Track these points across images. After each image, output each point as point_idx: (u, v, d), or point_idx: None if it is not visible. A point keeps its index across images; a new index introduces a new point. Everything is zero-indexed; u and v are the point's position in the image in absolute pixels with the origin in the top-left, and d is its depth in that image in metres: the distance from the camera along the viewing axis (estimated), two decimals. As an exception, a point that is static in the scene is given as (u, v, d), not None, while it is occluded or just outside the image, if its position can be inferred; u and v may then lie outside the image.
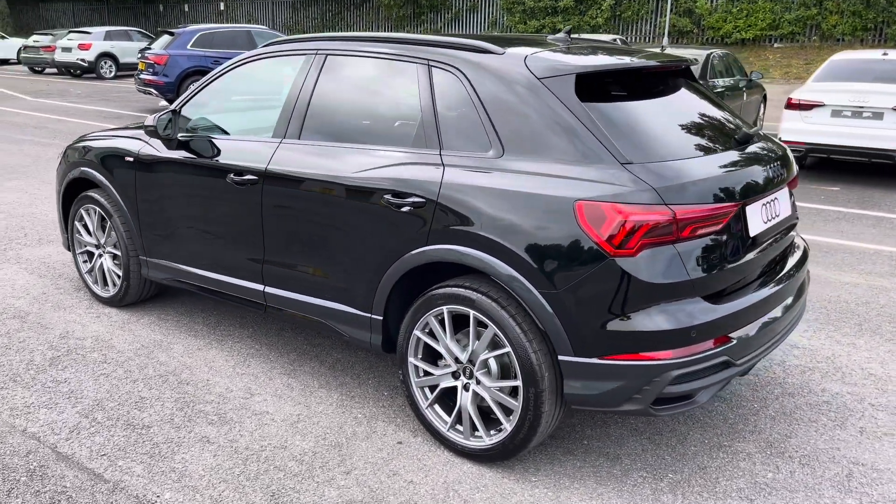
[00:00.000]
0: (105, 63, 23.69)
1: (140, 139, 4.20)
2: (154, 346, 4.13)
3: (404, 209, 3.02)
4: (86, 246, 4.74)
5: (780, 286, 3.06)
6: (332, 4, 30.26)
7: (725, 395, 3.64)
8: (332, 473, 2.98)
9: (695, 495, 2.87)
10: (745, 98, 11.22)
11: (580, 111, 2.77)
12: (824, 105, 8.63)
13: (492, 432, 2.98)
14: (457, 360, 3.03)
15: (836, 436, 3.29)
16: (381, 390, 3.66)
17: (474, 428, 3.02)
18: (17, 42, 28.70)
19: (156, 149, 4.07)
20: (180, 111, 4.03)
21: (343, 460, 3.07)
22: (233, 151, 3.71)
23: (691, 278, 2.63)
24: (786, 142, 8.95)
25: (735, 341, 2.74)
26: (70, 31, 24.88)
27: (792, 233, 3.39)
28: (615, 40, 17.48)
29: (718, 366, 2.71)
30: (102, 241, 4.61)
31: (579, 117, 2.75)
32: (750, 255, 2.88)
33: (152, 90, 14.52)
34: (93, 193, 4.52)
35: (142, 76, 14.78)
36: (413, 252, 3.02)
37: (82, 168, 4.56)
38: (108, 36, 24.03)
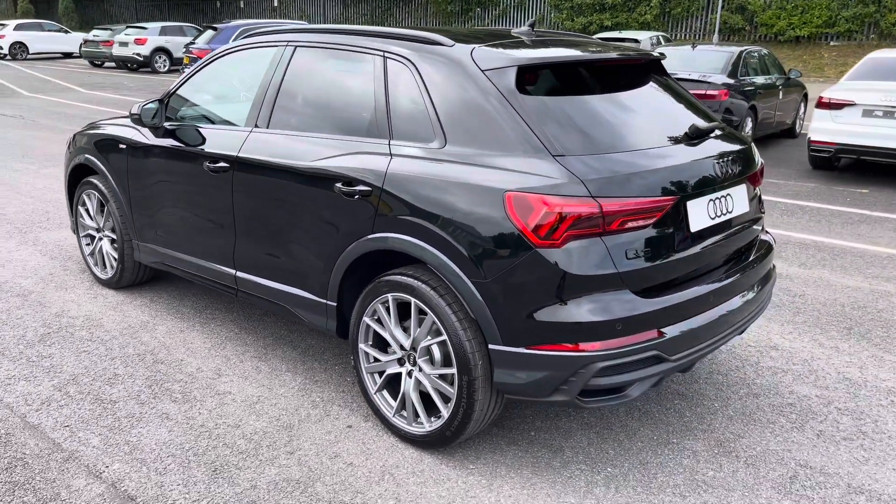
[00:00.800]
0: (159, 57, 24.45)
1: (134, 127, 4.36)
2: (140, 327, 4.30)
3: (354, 197, 3.09)
4: (88, 229, 4.95)
5: (730, 282, 3.02)
6: (381, 0, 30.53)
7: (687, 393, 3.60)
8: (276, 453, 3.07)
9: (629, 489, 2.86)
10: (780, 97, 10.95)
11: (519, 103, 2.79)
12: (855, 104, 8.35)
13: (432, 419, 3.02)
14: (402, 347, 3.08)
15: (791, 438, 3.23)
16: (345, 376, 3.74)
17: (416, 414, 3.07)
18: (80, 36, 29.80)
19: (145, 137, 4.23)
20: (168, 101, 4.18)
21: (290, 441, 3.16)
22: (210, 140, 3.84)
23: (619, 271, 2.63)
24: (814, 142, 8.72)
25: (667, 336, 2.72)
26: (127, 27, 25.76)
27: (755, 227, 3.34)
28: (656, 38, 17.23)
29: (649, 360, 2.70)
30: (101, 224, 4.81)
31: (517, 109, 2.77)
32: (691, 251, 2.85)
33: (195, 83, 14.92)
34: (93, 179, 4.72)
35: (186, 70, 15.23)
36: (361, 239, 3.08)
37: (85, 155, 4.76)
38: (163, 31, 24.79)
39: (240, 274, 3.78)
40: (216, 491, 2.82)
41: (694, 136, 3.04)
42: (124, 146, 4.39)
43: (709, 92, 9.31)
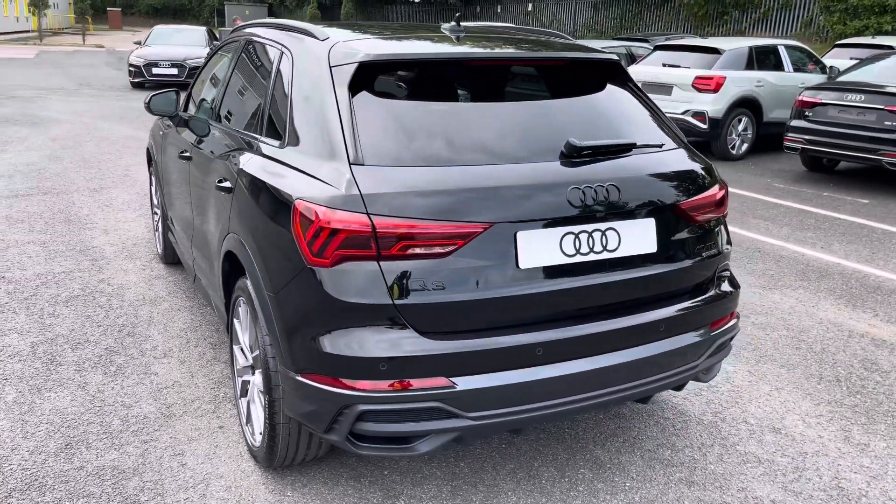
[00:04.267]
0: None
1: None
2: (149, 301, 4.61)
3: (225, 193, 3.01)
4: (154, 207, 5.43)
5: (591, 335, 2.42)
6: (632, 4, 29.39)
7: (603, 461, 2.98)
8: (133, 439, 3.10)
9: (423, 560, 2.45)
10: None
11: (344, 102, 2.49)
12: None
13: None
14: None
15: (681, 546, 2.53)
16: (271, 376, 3.67)
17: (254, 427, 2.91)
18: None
19: (168, 127, 4.52)
20: (190, 91, 4.42)
21: (157, 430, 3.18)
22: (188, 130, 3.98)
23: (395, 303, 2.24)
24: None
25: (459, 388, 2.26)
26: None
27: (684, 272, 2.65)
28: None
29: (431, 412, 2.28)
30: (157, 203, 5.25)
31: (340, 108, 2.48)
32: (517, 291, 2.33)
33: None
34: (153, 164, 5.17)
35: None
36: (224, 237, 3.00)
37: (150, 140, 5.22)
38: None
39: (196, 260, 3.88)
40: (50, 464, 2.92)
41: (571, 154, 2.48)
42: (161, 133, 4.73)
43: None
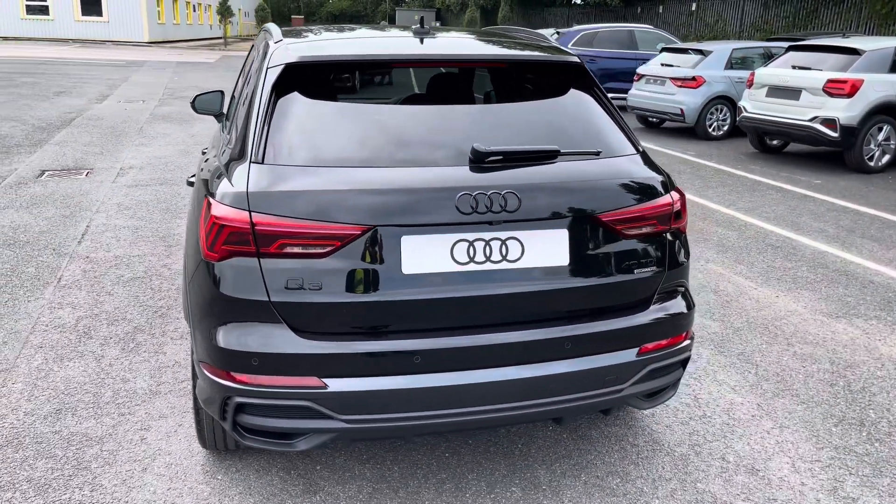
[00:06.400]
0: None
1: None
2: (195, 286, 4.94)
3: (192, 189, 3.19)
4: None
5: (482, 347, 2.32)
6: (806, 2, 27.15)
7: (539, 483, 2.83)
8: (113, 411, 3.36)
9: (307, 557, 2.46)
10: None
11: (265, 103, 2.55)
12: None
13: (207, 418, 2.99)
14: (208, 341, 3.10)
15: (575, 581, 2.35)
16: (264, 365, 3.82)
17: (205, 411, 3.06)
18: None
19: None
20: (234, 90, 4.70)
21: (138, 405, 3.42)
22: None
23: (271, 300, 2.27)
24: None
25: (330, 389, 2.26)
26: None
27: (604, 285, 2.46)
28: None
29: (302, 410, 2.29)
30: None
31: (259, 109, 2.55)
32: (399, 296, 2.28)
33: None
34: (219, 157, 5.54)
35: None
36: (191, 230, 3.17)
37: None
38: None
39: (211, 251, 4.13)
40: (36, 426, 3.23)
41: (478, 160, 2.38)
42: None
43: None
